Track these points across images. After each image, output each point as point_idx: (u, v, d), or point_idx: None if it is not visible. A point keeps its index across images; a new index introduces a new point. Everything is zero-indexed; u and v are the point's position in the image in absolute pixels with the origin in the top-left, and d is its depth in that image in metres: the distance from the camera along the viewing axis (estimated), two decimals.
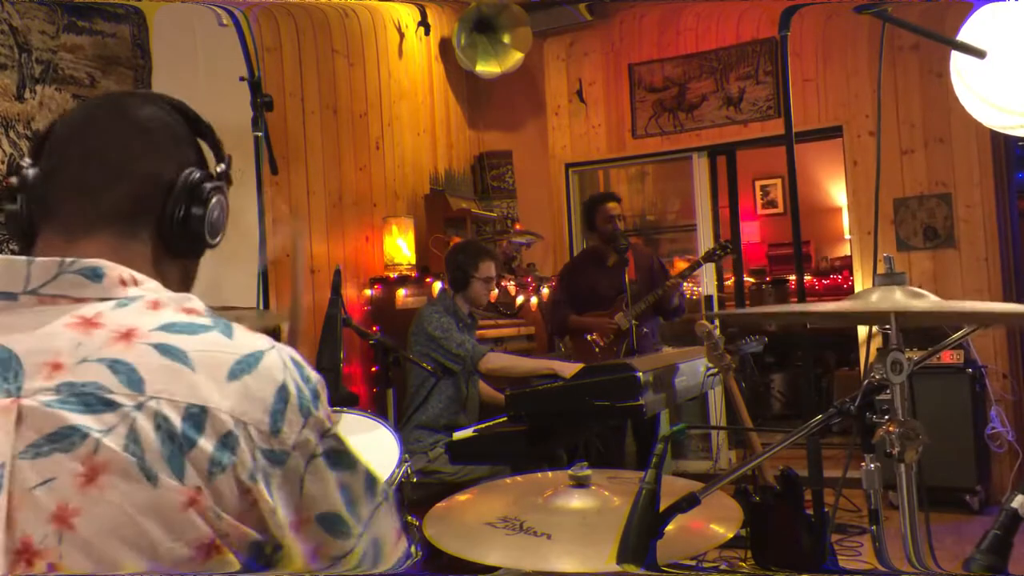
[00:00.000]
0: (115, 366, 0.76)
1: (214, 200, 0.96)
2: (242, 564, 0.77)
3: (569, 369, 3.18)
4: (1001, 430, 4.45)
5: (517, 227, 5.38)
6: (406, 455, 2.00)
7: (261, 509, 0.79)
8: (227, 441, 0.77)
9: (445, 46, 5.43)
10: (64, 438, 0.73)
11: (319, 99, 4.35)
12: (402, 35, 5.11)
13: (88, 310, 0.80)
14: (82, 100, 0.92)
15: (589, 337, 4.32)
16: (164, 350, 0.78)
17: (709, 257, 4.32)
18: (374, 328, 4.27)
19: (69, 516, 0.71)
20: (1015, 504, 1.01)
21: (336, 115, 4.47)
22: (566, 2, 5.54)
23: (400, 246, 4.52)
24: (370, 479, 0.90)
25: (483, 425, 3.18)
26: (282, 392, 0.82)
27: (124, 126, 0.93)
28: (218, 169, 0.99)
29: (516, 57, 5.34)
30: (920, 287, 1.36)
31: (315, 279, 4.18)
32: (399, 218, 4.63)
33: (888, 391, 1.28)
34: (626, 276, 4.18)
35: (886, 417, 1.24)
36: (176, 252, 0.94)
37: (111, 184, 0.90)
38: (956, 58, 2.03)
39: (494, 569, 1.48)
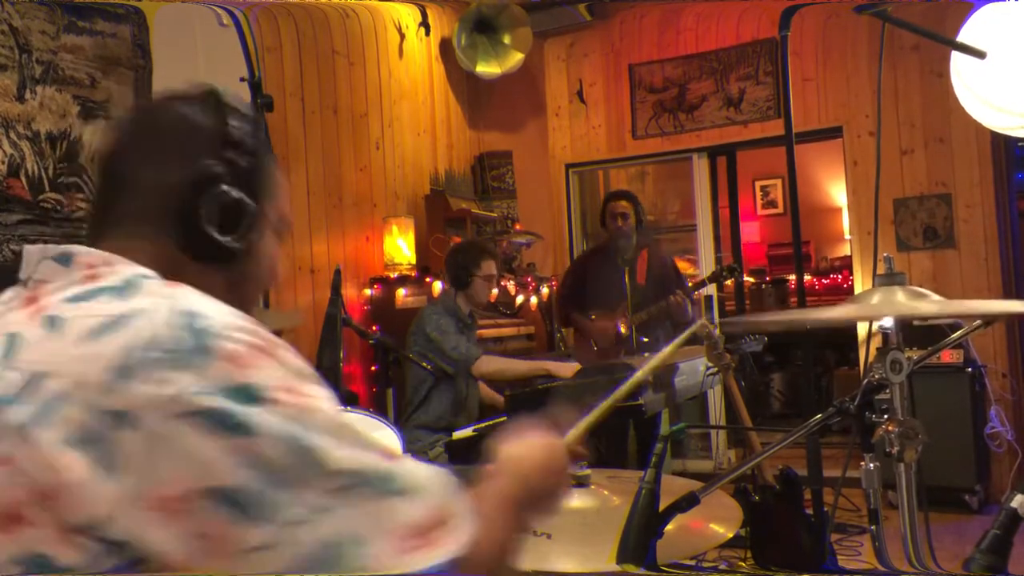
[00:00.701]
0: (12, 339, 0.77)
1: (233, 201, 0.90)
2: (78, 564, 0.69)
3: (564, 369, 3.18)
4: (1001, 430, 4.46)
5: (517, 227, 5.39)
6: (408, 455, 2.00)
7: (67, 484, 0.70)
8: (51, 404, 0.72)
9: (445, 46, 5.43)
10: None
11: (319, 99, 4.35)
12: (402, 35, 5.11)
13: (37, 292, 0.82)
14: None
15: (592, 340, 4.32)
16: (49, 322, 0.77)
17: (715, 278, 4.35)
18: (374, 328, 4.27)
19: None
20: (1015, 504, 1.01)
21: (336, 115, 4.47)
22: (566, 2, 5.54)
23: (400, 246, 4.52)
24: (317, 454, 0.74)
25: (483, 425, 3.18)
26: (151, 344, 0.73)
27: (132, 136, 0.94)
28: (241, 163, 0.93)
29: (516, 57, 5.34)
30: (920, 287, 1.36)
31: (315, 279, 4.18)
32: (399, 218, 4.63)
33: (888, 390, 1.28)
34: (626, 278, 4.17)
35: (885, 416, 1.25)
36: (196, 254, 0.90)
37: (128, 190, 0.91)
38: (956, 58, 2.04)
39: None
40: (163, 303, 0.77)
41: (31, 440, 0.71)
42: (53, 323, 0.77)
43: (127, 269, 0.83)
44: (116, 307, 0.76)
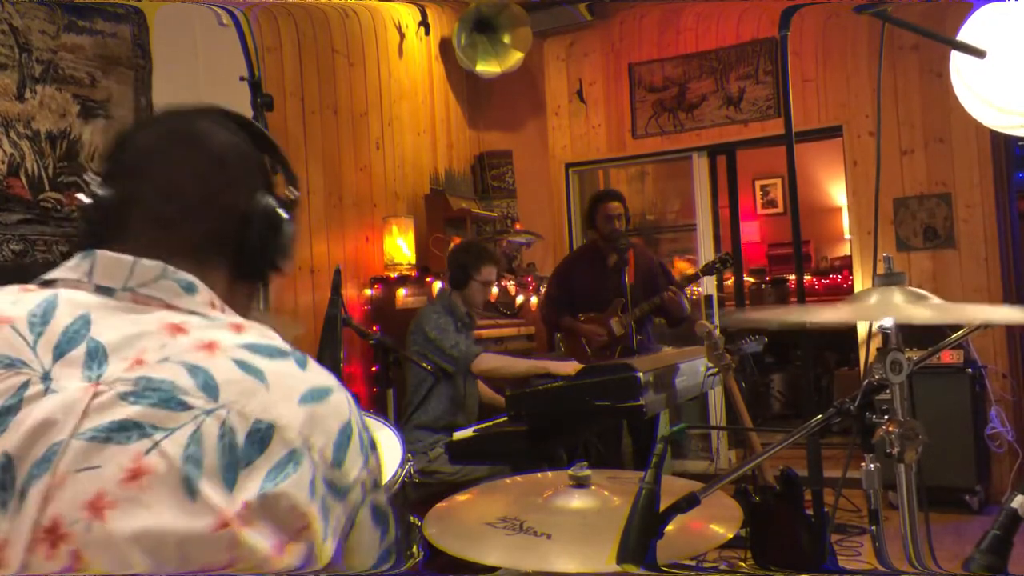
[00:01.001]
0: (194, 370, 0.78)
1: (287, 229, 0.97)
2: None
3: (564, 368, 3.17)
4: (1001, 430, 4.45)
5: (517, 227, 5.39)
6: (409, 455, 2.00)
7: (310, 539, 0.76)
8: (292, 456, 0.77)
9: (445, 46, 5.43)
10: (123, 430, 0.74)
11: (319, 99, 4.35)
12: (402, 35, 5.11)
13: (177, 317, 0.83)
14: (147, 116, 0.95)
15: (584, 342, 4.30)
16: (243, 365, 0.80)
17: (708, 270, 4.28)
18: (374, 328, 4.27)
19: (104, 507, 0.71)
20: (1015, 504, 1.01)
21: (336, 115, 4.47)
22: (566, 2, 5.54)
23: (400, 246, 4.52)
24: (392, 545, 0.90)
25: (483, 425, 3.18)
26: (347, 428, 0.83)
27: (201, 158, 0.93)
28: (289, 195, 1.00)
29: (516, 57, 5.34)
30: (920, 287, 1.36)
31: (315, 279, 4.18)
32: (399, 218, 4.63)
33: (888, 391, 1.28)
34: (625, 278, 4.15)
35: (886, 417, 1.24)
36: (248, 278, 0.96)
37: (189, 219, 0.91)
38: (956, 58, 2.04)
39: (494, 569, 1.48)
40: (339, 386, 0.85)
41: (285, 484, 0.76)
42: (249, 369, 0.80)
43: (242, 319, 0.89)
44: (305, 376, 0.83)
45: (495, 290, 4.06)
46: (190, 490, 0.73)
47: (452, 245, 4.55)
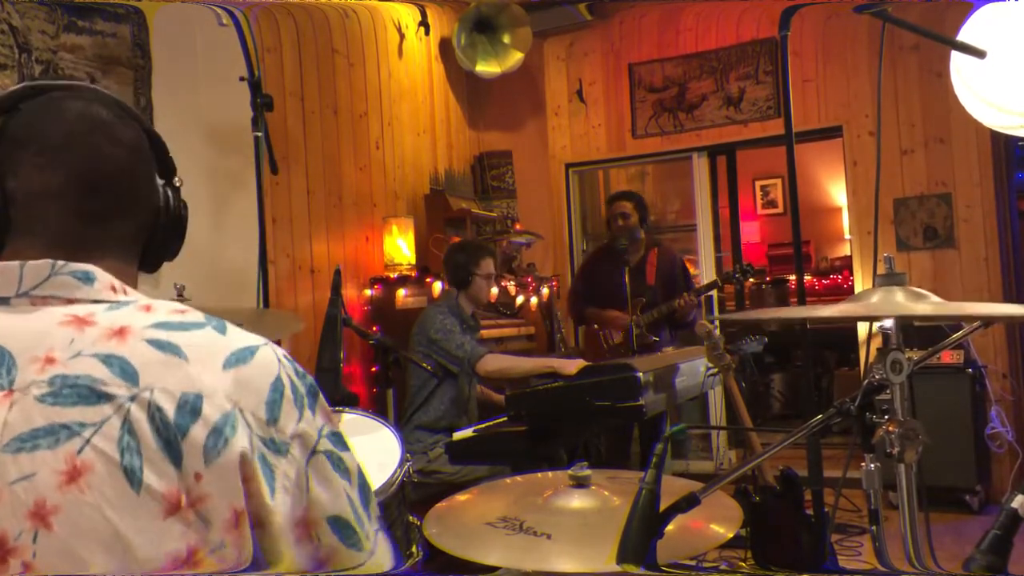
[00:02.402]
0: (108, 360, 0.76)
1: (181, 217, 0.97)
2: None
3: (569, 367, 3.16)
4: (1001, 430, 4.45)
5: (517, 227, 5.38)
6: (408, 455, 2.00)
7: (258, 505, 0.77)
8: (226, 420, 0.77)
9: (445, 46, 5.42)
10: (50, 434, 0.72)
11: (319, 99, 4.34)
12: (402, 35, 5.11)
13: (80, 310, 0.81)
14: (28, 93, 0.86)
15: (601, 333, 4.31)
16: (158, 344, 0.78)
17: (727, 279, 4.29)
18: (374, 328, 4.27)
19: (47, 514, 0.70)
20: (1015, 504, 1.01)
21: (336, 115, 4.47)
22: (566, 2, 5.54)
23: (400, 246, 4.52)
24: (369, 495, 0.88)
25: (483, 425, 3.17)
26: (277, 384, 0.82)
27: (122, 152, 0.90)
28: (177, 183, 0.98)
29: (516, 57, 5.34)
30: (920, 287, 1.36)
31: (315, 279, 4.18)
32: (399, 218, 4.63)
33: (888, 391, 1.28)
34: (627, 277, 4.15)
35: (886, 417, 1.24)
36: (151, 267, 0.96)
37: (123, 214, 0.90)
38: (956, 58, 2.04)
39: (494, 569, 1.48)
40: (263, 344, 0.85)
41: (228, 447, 0.76)
42: (164, 347, 0.79)
43: (150, 299, 0.87)
44: (225, 341, 0.82)
45: (495, 290, 4.06)
46: (134, 481, 0.72)
47: (449, 245, 4.55)
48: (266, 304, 2.94)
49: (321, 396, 0.86)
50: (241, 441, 0.76)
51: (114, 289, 0.84)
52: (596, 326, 4.40)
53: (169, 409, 0.75)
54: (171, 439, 0.74)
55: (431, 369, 3.22)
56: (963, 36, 1.99)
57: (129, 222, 0.91)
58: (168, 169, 0.97)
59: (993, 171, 4.68)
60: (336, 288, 2.51)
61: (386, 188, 4.82)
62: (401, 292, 4.40)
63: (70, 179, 0.87)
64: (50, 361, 0.76)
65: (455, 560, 1.48)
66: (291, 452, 0.80)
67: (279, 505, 0.78)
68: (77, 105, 0.90)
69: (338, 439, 0.85)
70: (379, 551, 0.86)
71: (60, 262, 0.82)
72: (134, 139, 0.92)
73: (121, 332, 0.79)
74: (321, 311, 2.55)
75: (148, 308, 0.83)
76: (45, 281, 0.81)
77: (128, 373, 0.76)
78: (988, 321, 1.60)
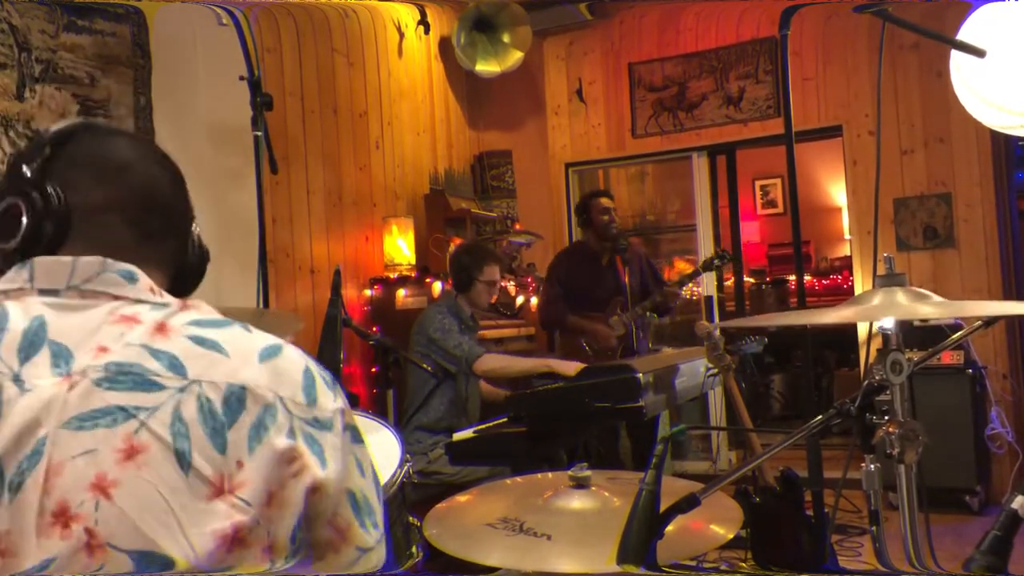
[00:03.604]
0: (157, 354, 0.82)
1: (208, 259, 1.07)
2: (270, 564, 0.80)
3: (567, 367, 3.16)
4: (1001, 431, 4.45)
5: (517, 227, 5.38)
6: (408, 456, 2.00)
7: (311, 478, 0.82)
8: (267, 411, 0.82)
9: (445, 45, 5.42)
10: (108, 415, 0.78)
11: (319, 99, 4.34)
12: (402, 35, 5.10)
13: (127, 309, 0.87)
14: (85, 126, 0.97)
15: (584, 342, 4.27)
16: (199, 341, 0.85)
17: (708, 266, 4.24)
18: (374, 328, 4.27)
19: (108, 487, 0.76)
20: (1015, 505, 1.01)
21: (336, 115, 4.47)
22: (566, 1, 5.54)
23: (400, 246, 4.52)
24: (379, 487, 0.93)
25: (483, 426, 3.17)
26: (308, 372, 0.88)
27: (170, 179, 1.00)
28: (196, 228, 1.06)
29: (516, 56, 5.34)
30: (920, 287, 1.36)
31: (315, 279, 4.18)
32: (399, 218, 4.63)
33: (888, 392, 1.28)
34: (625, 278, 4.15)
35: (886, 418, 1.24)
36: (174, 294, 1.00)
37: (170, 234, 0.99)
38: (956, 57, 2.03)
39: (494, 570, 1.48)
40: (286, 343, 0.91)
41: (268, 436, 0.82)
42: (205, 343, 0.85)
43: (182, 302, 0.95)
44: (254, 338, 0.89)
45: (496, 294, 4.05)
46: (184, 463, 0.78)
47: (452, 246, 4.55)
48: (266, 304, 2.94)
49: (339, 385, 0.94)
50: (282, 429, 0.82)
51: (152, 291, 0.91)
52: (582, 341, 4.30)
53: (216, 400, 0.81)
54: (217, 428, 0.80)
55: (431, 370, 3.22)
56: (963, 35, 1.99)
57: (171, 242, 0.99)
58: (191, 210, 1.05)
59: (993, 171, 4.68)
60: (336, 288, 2.50)
61: (386, 188, 4.82)
62: (401, 292, 4.39)
63: (127, 195, 0.95)
64: (104, 350, 0.82)
65: (455, 561, 1.48)
66: (335, 425, 0.86)
67: (331, 472, 0.84)
68: (127, 137, 1.02)
69: (357, 429, 0.92)
70: (382, 546, 0.90)
71: (109, 260, 0.89)
72: (178, 173, 1.02)
73: (163, 329, 0.85)
74: (321, 311, 2.54)
75: (185, 307, 0.90)
76: (96, 277, 0.87)
77: (176, 366, 0.82)
78: (990, 320, 1.60)
